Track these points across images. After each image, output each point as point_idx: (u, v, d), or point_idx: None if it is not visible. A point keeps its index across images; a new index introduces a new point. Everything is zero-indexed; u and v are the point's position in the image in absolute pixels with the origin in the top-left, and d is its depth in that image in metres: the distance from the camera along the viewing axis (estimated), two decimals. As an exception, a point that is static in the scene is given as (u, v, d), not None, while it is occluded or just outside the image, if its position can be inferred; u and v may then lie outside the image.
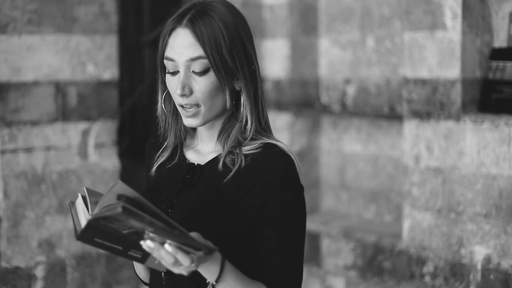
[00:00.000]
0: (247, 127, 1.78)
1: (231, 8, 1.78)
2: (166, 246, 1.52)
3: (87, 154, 3.70)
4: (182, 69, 1.73)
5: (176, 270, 1.57)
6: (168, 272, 1.68)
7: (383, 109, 4.12)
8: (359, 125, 4.30)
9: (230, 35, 1.73)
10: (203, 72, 1.72)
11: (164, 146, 1.91)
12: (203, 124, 1.79)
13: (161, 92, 1.85)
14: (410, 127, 3.45)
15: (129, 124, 5.39)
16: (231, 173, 1.74)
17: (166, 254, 1.53)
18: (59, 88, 3.61)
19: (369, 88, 4.19)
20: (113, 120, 3.79)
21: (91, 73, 3.69)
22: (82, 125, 3.68)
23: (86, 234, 1.49)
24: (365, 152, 4.26)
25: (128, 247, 1.54)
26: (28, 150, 3.51)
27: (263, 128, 1.82)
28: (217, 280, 1.65)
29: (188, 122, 1.78)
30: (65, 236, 3.64)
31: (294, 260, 1.75)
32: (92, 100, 3.71)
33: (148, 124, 5.21)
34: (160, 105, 1.84)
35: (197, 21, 1.72)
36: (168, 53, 1.75)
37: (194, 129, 1.92)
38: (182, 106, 1.76)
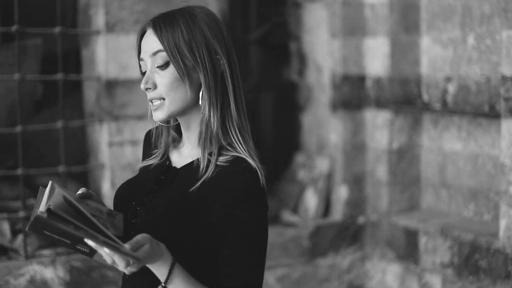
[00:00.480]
0: (211, 120, 1.79)
1: (200, 9, 1.83)
2: (104, 247, 1.56)
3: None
4: (148, 66, 1.80)
5: (118, 268, 1.61)
6: None
7: (483, 108, 4.08)
8: (460, 123, 4.27)
9: (189, 28, 1.77)
10: (165, 66, 1.78)
11: (156, 153, 1.96)
12: (169, 117, 1.82)
13: None
14: (508, 125, 3.42)
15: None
16: (198, 184, 1.76)
17: (105, 254, 1.57)
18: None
19: (470, 86, 4.16)
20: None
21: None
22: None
23: (36, 226, 1.54)
24: (465, 151, 4.23)
25: (76, 241, 1.58)
26: (134, 143, 3.67)
27: (238, 128, 1.83)
28: (165, 282, 1.68)
29: (154, 116, 1.82)
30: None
31: (257, 270, 1.76)
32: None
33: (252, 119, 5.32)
34: (149, 112, 1.88)
35: (158, 20, 1.79)
36: (141, 54, 1.83)
37: (180, 133, 1.94)
38: (150, 101, 1.82)
